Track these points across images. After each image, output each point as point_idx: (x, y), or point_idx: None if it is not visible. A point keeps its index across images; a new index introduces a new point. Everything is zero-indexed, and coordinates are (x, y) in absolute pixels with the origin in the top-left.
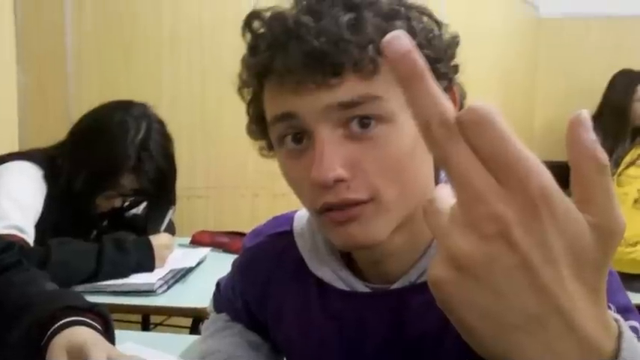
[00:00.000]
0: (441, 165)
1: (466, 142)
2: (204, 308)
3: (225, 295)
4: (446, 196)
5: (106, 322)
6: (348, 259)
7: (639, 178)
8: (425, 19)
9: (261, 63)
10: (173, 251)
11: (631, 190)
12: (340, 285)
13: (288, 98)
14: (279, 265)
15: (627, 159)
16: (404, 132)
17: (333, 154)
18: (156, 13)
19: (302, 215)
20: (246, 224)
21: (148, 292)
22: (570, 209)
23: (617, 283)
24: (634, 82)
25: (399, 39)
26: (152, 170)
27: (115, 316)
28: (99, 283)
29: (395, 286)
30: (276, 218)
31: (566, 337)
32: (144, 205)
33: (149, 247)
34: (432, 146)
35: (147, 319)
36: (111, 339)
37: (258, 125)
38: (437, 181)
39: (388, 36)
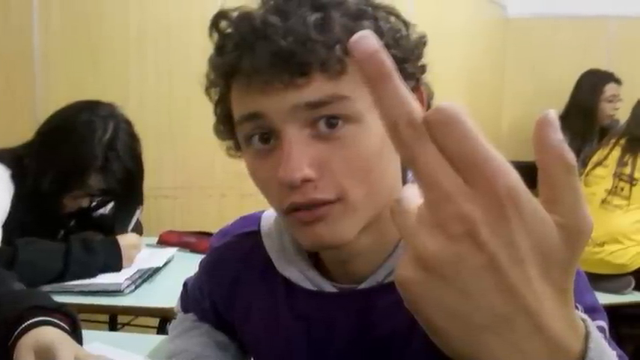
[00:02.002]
0: (409, 165)
1: (433, 142)
2: (172, 308)
3: (193, 295)
4: (413, 196)
5: (73, 322)
6: (315, 259)
7: (606, 178)
8: (392, 19)
9: (229, 63)
10: (140, 251)
11: (598, 190)
12: (307, 285)
13: (255, 98)
14: (246, 265)
15: (594, 159)
16: (371, 132)
17: (301, 154)
18: (123, 14)
19: (269, 215)
20: (214, 224)
21: (116, 292)
22: (538, 209)
23: (584, 283)
24: (601, 82)
25: (366, 39)
26: (119, 170)
27: (82, 316)
28: (66, 283)
29: (362, 286)
30: (243, 218)
31: (533, 338)
32: (111, 205)
33: (116, 247)
34: (400, 146)
35: (114, 319)
36: (78, 339)
37: (226, 125)
38: (404, 181)
39: (355, 36)
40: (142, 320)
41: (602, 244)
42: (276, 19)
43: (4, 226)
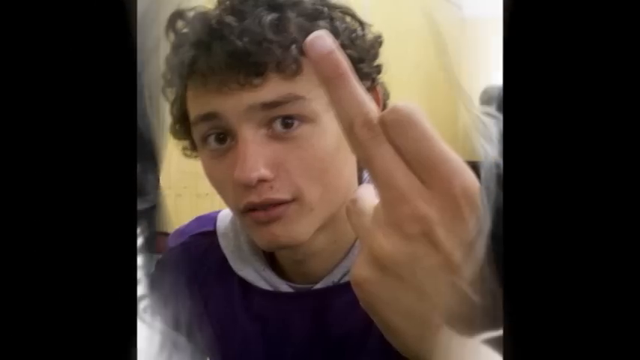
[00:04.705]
0: (365, 165)
1: (389, 143)
2: None
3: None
4: (369, 196)
5: None
6: (271, 259)
7: None
8: (348, 19)
9: (185, 63)
10: None
11: None
12: (263, 285)
13: (211, 98)
14: (202, 265)
15: None
16: (327, 132)
17: (257, 154)
18: None
19: (225, 215)
20: (169, 224)
21: None
22: None
23: None
24: None
25: (321, 39)
26: None
27: None
28: None
29: (318, 286)
30: (199, 218)
31: None
32: None
33: None
34: (356, 147)
35: None
36: None
37: (182, 125)
38: (360, 181)
39: (311, 36)
40: None
41: None
42: (232, 19)
43: None
